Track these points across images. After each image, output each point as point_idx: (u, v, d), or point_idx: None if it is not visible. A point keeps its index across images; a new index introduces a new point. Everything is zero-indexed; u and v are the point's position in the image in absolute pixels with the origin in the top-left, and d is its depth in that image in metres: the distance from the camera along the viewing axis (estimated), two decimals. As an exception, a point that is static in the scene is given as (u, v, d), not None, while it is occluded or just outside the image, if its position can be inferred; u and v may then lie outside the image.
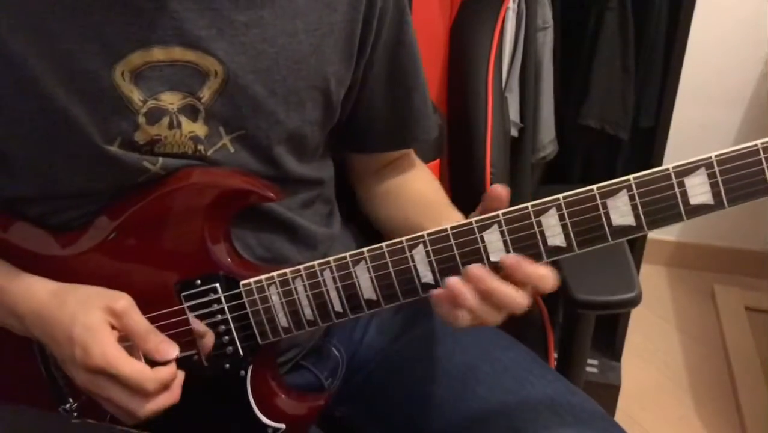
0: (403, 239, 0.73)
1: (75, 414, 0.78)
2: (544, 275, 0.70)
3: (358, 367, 0.97)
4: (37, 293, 0.76)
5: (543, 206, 0.69)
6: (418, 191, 0.96)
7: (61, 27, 0.70)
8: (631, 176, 0.67)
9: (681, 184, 0.65)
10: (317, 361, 0.95)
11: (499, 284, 0.70)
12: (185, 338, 0.79)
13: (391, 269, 0.74)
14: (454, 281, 0.70)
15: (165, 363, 0.73)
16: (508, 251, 0.70)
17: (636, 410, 1.86)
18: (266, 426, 0.83)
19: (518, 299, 0.70)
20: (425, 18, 1.17)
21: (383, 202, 0.97)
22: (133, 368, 0.71)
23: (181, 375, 0.75)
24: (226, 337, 0.80)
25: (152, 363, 0.73)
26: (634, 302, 1.00)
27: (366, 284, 0.75)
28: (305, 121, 0.81)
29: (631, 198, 0.67)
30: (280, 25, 0.77)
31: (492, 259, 0.71)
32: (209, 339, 0.79)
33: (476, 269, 0.70)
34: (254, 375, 0.82)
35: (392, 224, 0.95)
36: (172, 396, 0.74)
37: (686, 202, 0.66)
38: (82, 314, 0.73)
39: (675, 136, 1.62)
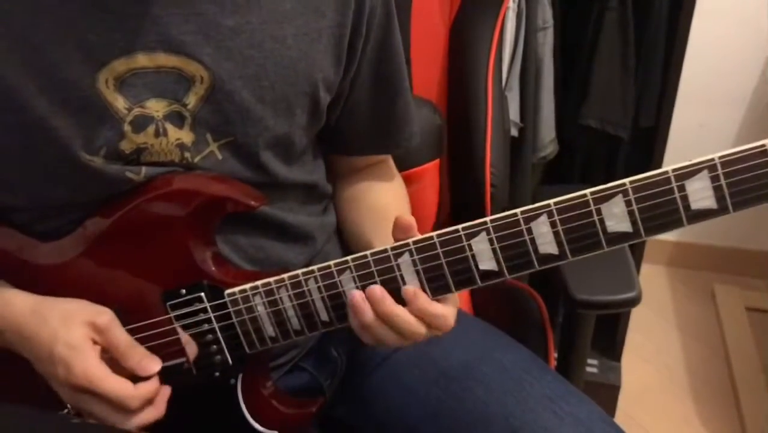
0: (388, 247, 0.72)
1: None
2: (438, 314, 0.71)
3: (357, 368, 0.97)
4: (17, 309, 0.76)
5: (533, 213, 0.66)
6: (382, 204, 0.95)
7: (42, 36, 0.69)
8: (627, 180, 0.63)
9: (681, 189, 0.62)
10: (316, 362, 0.95)
11: (396, 310, 0.71)
12: (173, 347, 0.79)
13: (376, 279, 0.72)
14: (354, 295, 0.71)
15: (148, 378, 0.74)
16: (497, 259, 0.69)
17: (636, 410, 1.86)
18: None
19: (414, 327, 0.72)
20: (425, 18, 1.17)
21: (348, 206, 0.97)
22: (116, 385, 0.71)
23: (166, 390, 0.76)
24: (214, 346, 0.79)
25: (135, 378, 0.73)
26: (634, 301, 1.00)
27: None
28: (293, 126, 0.81)
29: (628, 203, 0.63)
30: (267, 30, 0.76)
31: (481, 267, 0.70)
32: (194, 345, 0.79)
33: (376, 291, 0.71)
34: (245, 382, 0.81)
35: (350, 230, 0.95)
36: (156, 411, 0.74)
37: (687, 207, 0.62)
38: (63, 332, 0.72)
39: (675, 137, 1.62)
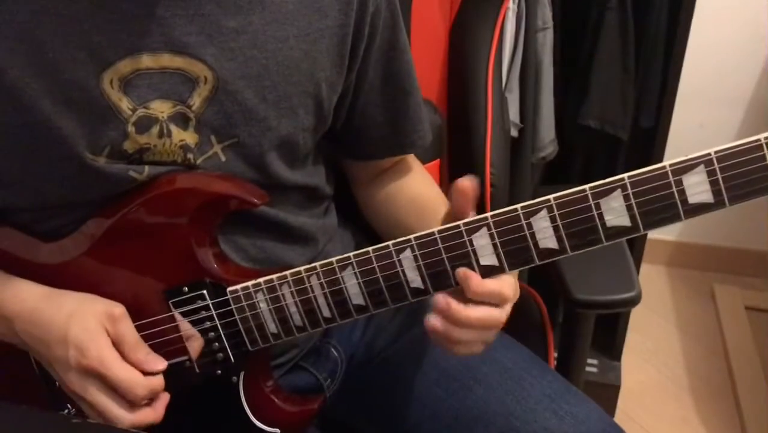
0: (390, 243, 0.72)
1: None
2: (494, 291, 0.71)
3: (357, 367, 0.97)
4: (28, 297, 0.76)
5: (533, 208, 0.67)
6: (415, 195, 0.96)
7: (47, 36, 0.69)
8: (625, 175, 0.64)
9: (679, 183, 0.63)
10: (316, 361, 0.95)
11: (467, 310, 0.70)
12: (176, 345, 0.79)
13: (378, 274, 0.73)
14: (434, 322, 0.71)
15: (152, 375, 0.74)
16: (498, 254, 0.69)
17: (636, 410, 1.86)
18: (261, 431, 0.82)
19: (492, 318, 0.71)
20: (425, 18, 1.17)
21: (382, 209, 0.97)
22: (127, 370, 0.72)
23: (165, 396, 0.76)
24: (216, 344, 0.79)
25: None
26: (634, 301, 1.00)
27: (354, 290, 0.74)
28: (297, 127, 0.81)
29: (626, 198, 0.64)
30: (270, 30, 0.76)
31: (482, 263, 0.70)
32: (198, 343, 0.79)
33: (440, 301, 0.70)
34: (247, 380, 0.82)
35: (392, 227, 0.95)
36: (155, 414, 0.75)
37: (684, 201, 0.63)
38: (79, 316, 0.73)
39: (674, 137, 1.62)
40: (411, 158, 1.00)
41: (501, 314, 0.72)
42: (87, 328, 0.72)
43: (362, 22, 0.82)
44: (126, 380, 0.72)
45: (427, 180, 1.01)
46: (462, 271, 0.70)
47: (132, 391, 0.72)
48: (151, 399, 0.75)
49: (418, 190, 0.97)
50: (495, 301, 0.72)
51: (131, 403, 0.73)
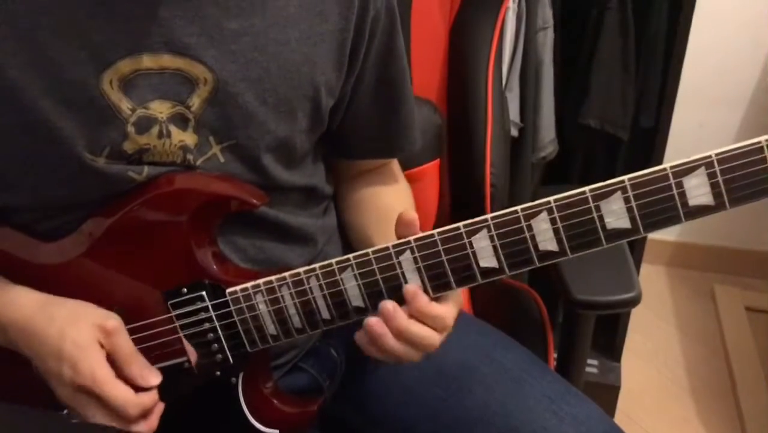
0: (390, 244, 0.72)
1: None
2: (436, 315, 0.72)
3: (357, 368, 0.97)
4: (23, 305, 0.76)
5: (533, 210, 0.67)
6: (384, 205, 0.95)
7: (47, 36, 0.69)
8: (626, 177, 0.64)
9: (679, 185, 0.63)
10: (316, 362, 0.95)
11: (409, 323, 0.71)
12: (174, 346, 0.79)
13: (378, 276, 0.73)
14: (373, 321, 0.72)
15: (146, 389, 0.74)
16: (497, 256, 0.69)
17: (636, 411, 1.86)
18: (260, 432, 0.82)
19: (430, 339, 0.72)
20: (425, 18, 1.17)
21: (354, 210, 0.97)
22: (118, 390, 0.72)
23: (160, 406, 0.76)
24: (215, 345, 0.79)
25: (134, 387, 0.73)
26: (634, 301, 1.00)
27: (354, 292, 0.74)
28: (295, 130, 0.81)
29: (626, 200, 0.64)
30: (271, 33, 0.76)
31: (482, 264, 0.70)
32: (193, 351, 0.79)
33: (388, 305, 0.71)
34: (246, 382, 0.82)
35: (356, 233, 0.95)
36: (149, 426, 0.74)
37: (685, 203, 0.63)
38: (72, 331, 0.72)
39: (675, 136, 1.62)
40: (396, 168, 1.00)
41: (438, 339, 0.73)
42: (80, 344, 0.72)
43: (362, 26, 0.82)
44: (118, 399, 0.71)
45: (404, 195, 1.00)
46: (411, 289, 0.71)
47: (124, 410, 0.71)
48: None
49: (389, 201, 0.96)
50: (437, 326, 0.73)
51: (125, 419, 0.73)
